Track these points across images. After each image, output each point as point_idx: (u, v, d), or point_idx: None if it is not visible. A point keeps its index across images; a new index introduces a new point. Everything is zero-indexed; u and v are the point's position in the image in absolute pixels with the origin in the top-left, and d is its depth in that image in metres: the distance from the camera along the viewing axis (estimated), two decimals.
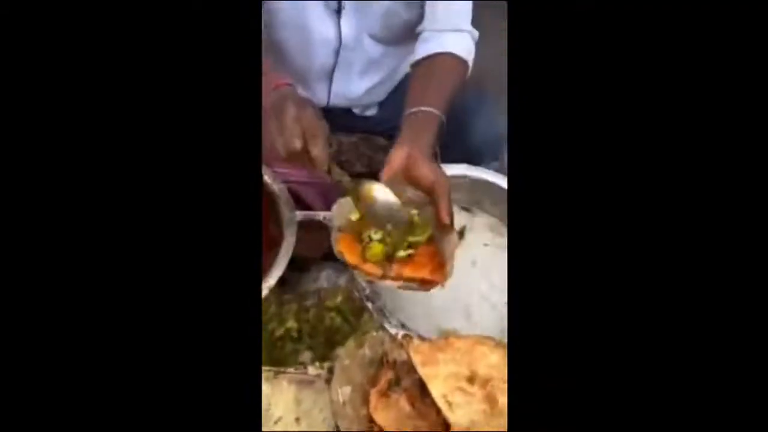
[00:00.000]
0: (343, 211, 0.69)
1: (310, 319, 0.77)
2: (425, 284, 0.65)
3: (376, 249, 0.63)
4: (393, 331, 0.70)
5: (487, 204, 0.87)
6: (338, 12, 1.01)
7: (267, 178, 0.75)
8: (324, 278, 0.91)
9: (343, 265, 0.70)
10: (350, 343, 0.70)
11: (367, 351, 0.68)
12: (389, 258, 0.64)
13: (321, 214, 0.72)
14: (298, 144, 0.62)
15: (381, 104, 1.20)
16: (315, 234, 0.75)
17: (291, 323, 0.75)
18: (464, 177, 0.85)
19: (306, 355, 0.73)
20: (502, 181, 0.85)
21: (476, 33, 0.94)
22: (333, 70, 1.10)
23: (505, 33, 0.42)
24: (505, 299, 0.76)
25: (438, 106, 0.80)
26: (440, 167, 0.69)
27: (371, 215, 0.64)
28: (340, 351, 0.69)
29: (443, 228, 0.63)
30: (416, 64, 0.92)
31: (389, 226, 0.64)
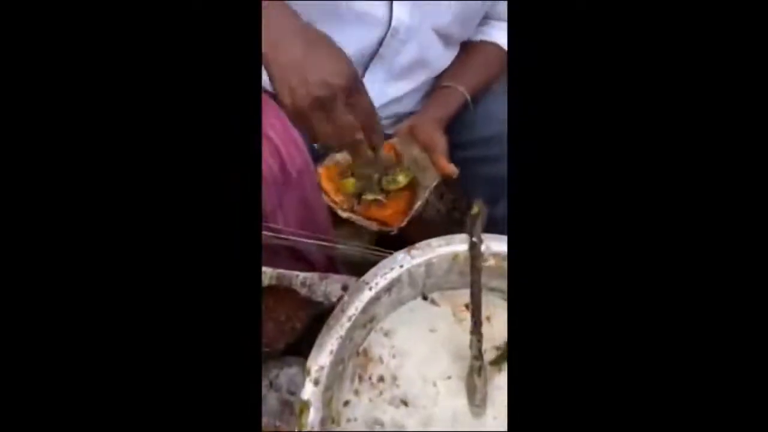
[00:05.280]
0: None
1: None
2: (380, 225, 0.71)
3: (348, 183, 0.72)
4: None
5: None
6: None
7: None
8: (286, 382, 0.57)
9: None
10: None
11: None
12: (358, 197, 0.72)
13: (300, 277, 0.58)
14: (359, 135, 0.56)
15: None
16: (288, 306, 0.60)
17: None
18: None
19: None
20: None
21: None
22: (368, 64, 0.79)
23: None
24: None
25: (467, 85, 0.82)
26: (442, 135, 0.74)
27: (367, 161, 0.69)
28: None
29: (444, 176, 0.71)
30: (464, 46, 0.87)
31: (368, 170, 0.71)
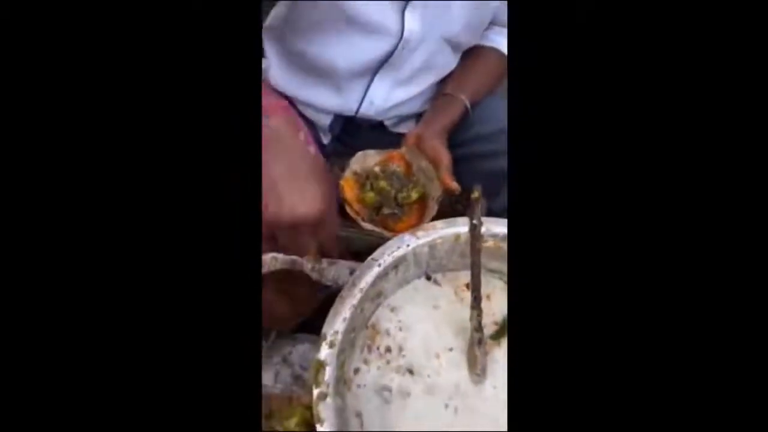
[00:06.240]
0: (365, 160, 0.80)
1: None
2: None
3: (368, 197, 0.78)
4: None
5: None
6: None
7: None
8: (298, 357, 0.60)
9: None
10: None
11: None
12: (377, 209, 0.77)
13: (310, 263, 0.63)
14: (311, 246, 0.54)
15: (418, 118, 0.93)
16: (300, 289, 0.63)
17: None
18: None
19: None
20: None
21: None
22: (377, 71, 0.84)
23: None
24: None
25: (468, 93, 0.86)
26: (446, 148, 0.79)
27: (383, 172, 0.80)
28: None
29: (447, 191, 0.76)
30: (466, 52, 0.91)
31: (384, 183, 0.78)
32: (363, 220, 0.75)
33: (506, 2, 0.85)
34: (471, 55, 0.90)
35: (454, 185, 0.75)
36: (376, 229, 0.74)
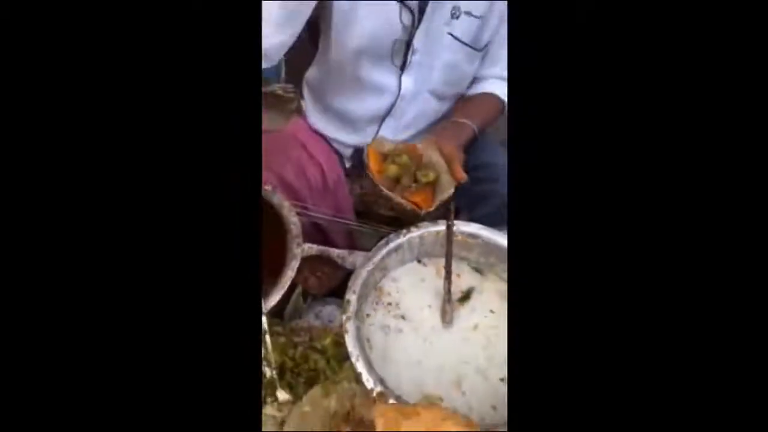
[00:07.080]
0: (382, 145, 0.97)
1: (295, 357, 0.72)
2: (414, 205, 0.90)
3: (392, 168, 0.92)
4: (369, 386, 0.64)
5: (500, 269, 0.83)
6: (402, 67, 1.05)
7: (285, 210, 0.83)
8: (326, 314, 0.88)
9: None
10: (316, 391, 0.65)
11: (332, 402, 0.64)
12: (397, 180, 0.91)
13: (335, 252, 0.83)
14: None
15: None
16: (327, 269, 0.88)
17: (275, 357, 0.70)
18: (477, 237, 0.83)
19: (281, 394, 0.67)
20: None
21: None
22: (384, 117, 1.13)
23: None
24: (504, 374, 0.72)
25: (475, 120, 1.06)
26: (462, 151, 0.97)
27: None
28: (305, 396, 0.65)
29: (457, 181, 0.91)
30: (463, 98, 1.15)
31: (406, 159, 0.93)
32: (385, 187, 0.90)
33: (485, 58, 1.12)
34: (470, 97, 1.15)
35: (463, 176, 0.92)
36: (393, 195, 0.89)
